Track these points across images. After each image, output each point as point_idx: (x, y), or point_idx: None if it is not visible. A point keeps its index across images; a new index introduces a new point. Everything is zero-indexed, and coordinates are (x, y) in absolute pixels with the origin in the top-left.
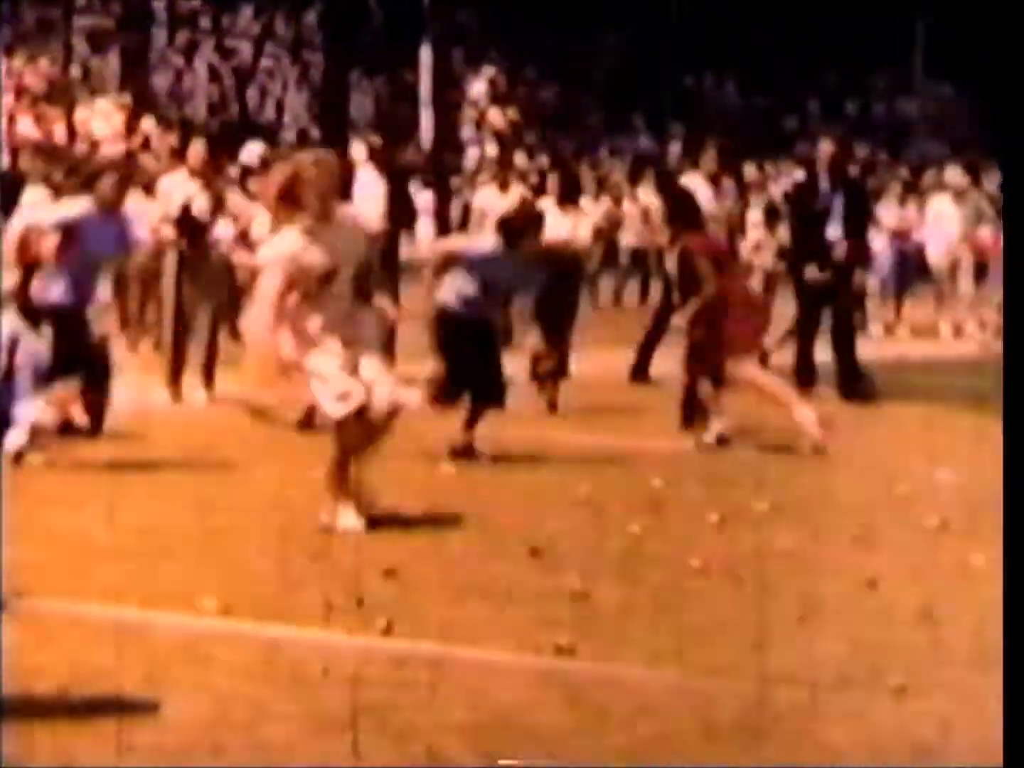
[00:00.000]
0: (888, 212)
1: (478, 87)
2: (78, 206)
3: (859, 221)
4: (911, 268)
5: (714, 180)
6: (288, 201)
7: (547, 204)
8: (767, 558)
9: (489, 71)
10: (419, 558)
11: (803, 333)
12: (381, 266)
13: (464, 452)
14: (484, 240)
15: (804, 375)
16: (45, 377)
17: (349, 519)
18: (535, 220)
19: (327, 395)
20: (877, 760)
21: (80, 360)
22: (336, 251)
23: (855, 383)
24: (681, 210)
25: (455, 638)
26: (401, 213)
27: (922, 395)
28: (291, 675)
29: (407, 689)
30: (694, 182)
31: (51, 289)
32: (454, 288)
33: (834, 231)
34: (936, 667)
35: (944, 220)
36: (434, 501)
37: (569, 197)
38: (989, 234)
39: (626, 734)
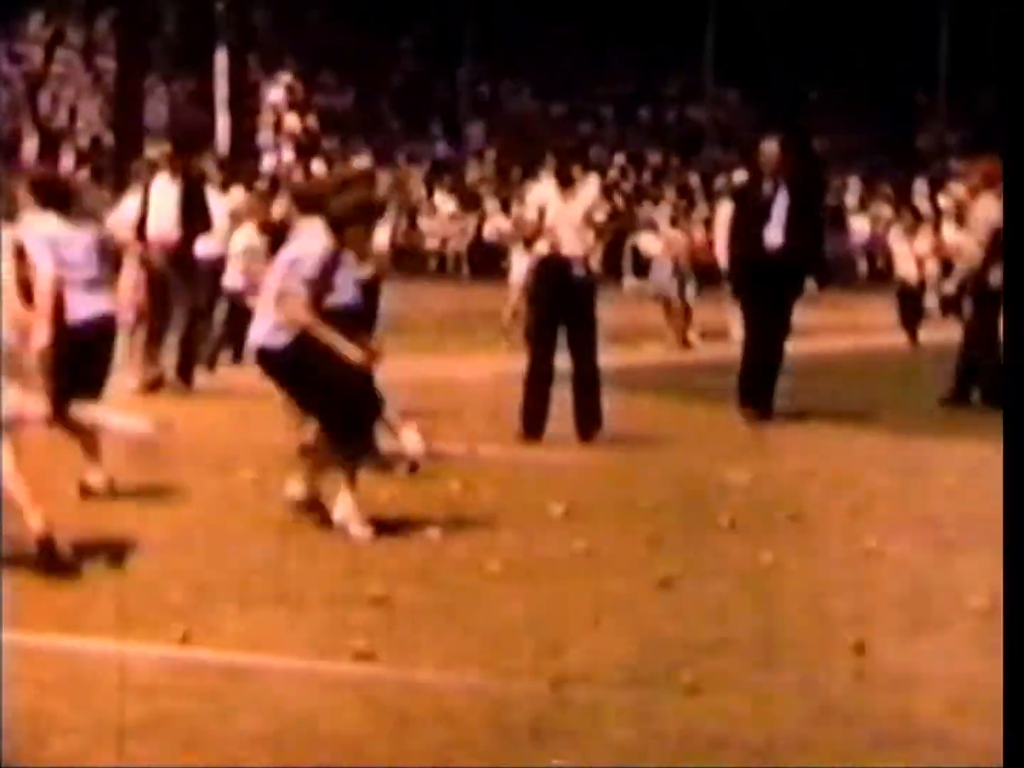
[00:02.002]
0: (664, 219)
1: (275, 93)
2: None
3: (805, 223)
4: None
5: (564, 184)
6: None
7: None
8: (563, 560)
9: (286, 77)
10: (219, 565)
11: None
12: (176, 274)
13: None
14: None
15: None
16: None
17: None
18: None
19: None
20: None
21: None
22: None
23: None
24: None
25: (252, 646)
26: (196, 220)
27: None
28: (85, 686)
29: (203, 698)
30: (547, 187)
31: None
32: None
33: (775, 234)
34: (728, 664)
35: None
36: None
37: None
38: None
39: (423, 738)
